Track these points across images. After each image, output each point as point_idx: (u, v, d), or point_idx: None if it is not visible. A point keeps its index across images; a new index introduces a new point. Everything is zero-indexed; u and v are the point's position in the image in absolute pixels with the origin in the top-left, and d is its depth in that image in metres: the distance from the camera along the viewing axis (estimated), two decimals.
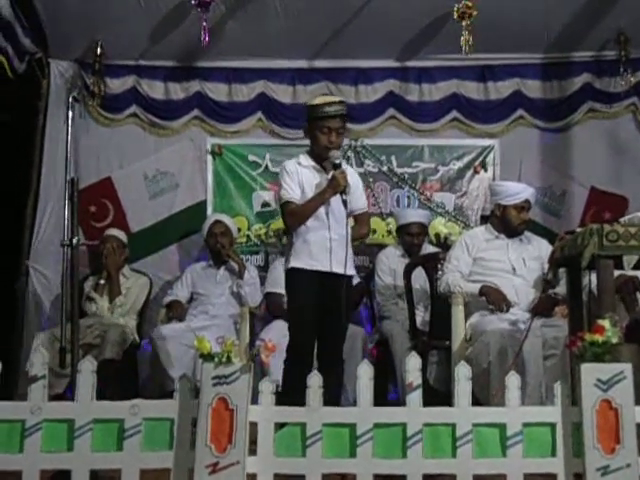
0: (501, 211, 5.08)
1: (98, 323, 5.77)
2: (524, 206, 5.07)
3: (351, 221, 4.58)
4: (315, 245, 4.36)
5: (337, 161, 4.34)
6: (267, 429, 2.94)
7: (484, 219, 6.31)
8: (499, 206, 5.09)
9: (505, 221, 5.06)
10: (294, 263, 4.42)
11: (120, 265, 6.19)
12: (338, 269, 4.32)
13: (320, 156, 4.44)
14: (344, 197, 4.30)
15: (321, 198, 4.35)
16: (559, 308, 4.83)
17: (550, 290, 4.82)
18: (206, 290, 6.10)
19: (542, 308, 4.72)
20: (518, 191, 5.08)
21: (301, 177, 4.43)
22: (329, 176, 4.37)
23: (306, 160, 4.49)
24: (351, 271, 4.44)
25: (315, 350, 4.43)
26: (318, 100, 4.51)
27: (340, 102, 4.52)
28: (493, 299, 4.82)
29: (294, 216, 4.43)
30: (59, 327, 4.36)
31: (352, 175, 4.58)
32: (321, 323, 4.39)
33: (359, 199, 4.59)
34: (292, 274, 4.46)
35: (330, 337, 4.40)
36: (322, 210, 4.35)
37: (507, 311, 4.75)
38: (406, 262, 5.81)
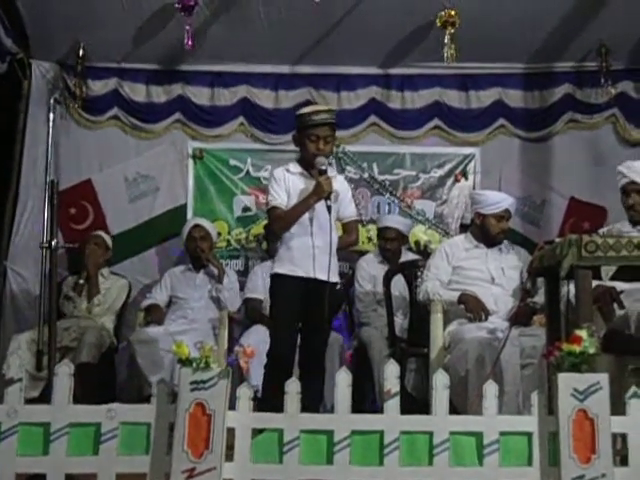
0: (481, 220, 5.10)
1: (75, 325, 5.74)
2: (504, 215, 5.09)
3: (340, 229, 4.61)
4: (298, 251, 4.39)
5: (323, 167, 4.37)
6: (244, 435, 2.92)
7: (463, 227, 6.33)
8: (479, 215, 5.11)
9: (484, 230, 5.08)
10: (277, 269, 4.47)
11: (100, 265, 6.18)
12: (321, 276, 4.33)
13: (309, 163, 4.47)
14: (328, 203, 4.33)
15: (306, 204, 4.37)
16: (537, 317, 4.85)
17: (528, 299, 4.84)
18: (185, 294, 6.08)
19: (520, 317, 4.73)
20: (498, 200, 5.10)
21: (288, 184, 4.47)
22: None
23: (295, 167, 4.53)
24: (334, 278, 4.46)
25: (297, 357, 4.44)
26: (307, 109, 4.58)
27: (329, 111, 4.60)
28: (471, 307, 4.84)
29: (280, 222, 4.47)
30: (36, 329, 4.34)
31: (341, 183, 4.63)
32: (303, 330, 4.41)
33: (348, 207, 4.63)
34: (275, 280, 4.50)
35: (312, 344, 4.42)
36: (306, 216, 4.39)
37: (485, 319, 4.77)
38: (386, 269, 5.82)
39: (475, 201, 5.21)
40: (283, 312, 4.43)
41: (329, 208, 4.33)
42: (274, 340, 4.42)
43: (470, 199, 5.46)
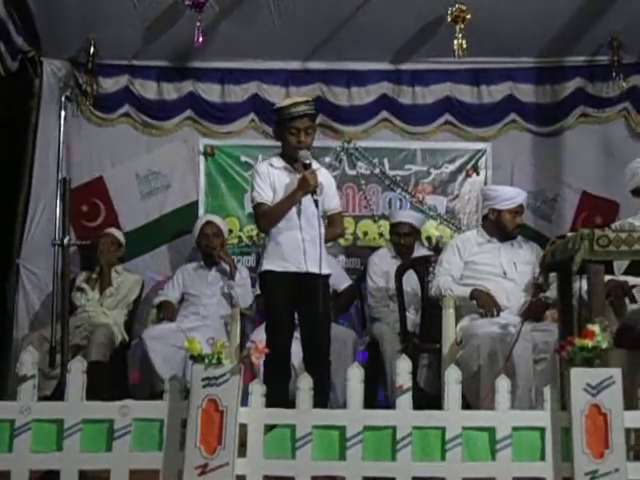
0: (496, 216, 5.08)
1: (87, 323, 5.76)
2: (518, 210, 5.08)
3: (325, 222, 4.61)
4: (287, 246, 4.39)
5: (307, 161, 4.38)
6: (257, 431, 2.94)
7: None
8: (493, 210, 5.09)
9: (500, 226, 5.07)
10: (267, 266, 4.46)
11: (113, 262, 6.21)
12: (313, 269, 4.33)
13: (291, 157, 4.48)
14: (315, 197, 4.33)
15: (292, 199, 4.38)
16: (549, 312, 4.84)
17: (541, 294, 4.83)
18: (197, 291, 6.09)
19: (533, 312, 4.72)
20: (513, 195, 5.09)
21: (273, 178, 4.47)
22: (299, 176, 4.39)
23: (278, 162, 4.54)
24: (326, 270, 4.45)
25: (301, 353, 4.44)
26: (285, 102, 4.58)
27: (307, 102, 4.56)
28: (483, 303, 4.83)
29: (266, 218, 4.48)
30: (49, 328, 4.35)
31: (325, 175, 4.63)
32: (302, 326, 4.41)
33: (332, 199, 4.64)
34: (265, 277, 4.49)
35: (314, 339, 4.40)
36: (293, 210, 4.40)
37: (497, 315, 4.75)
38: (398, 264, 5.81)
39: (489, 197, 5.19)
40: (278, 308, 4.42)
41: (316, 202, 4.33)
42: (269, 337, 4.39)
43: (482, 195, 5.44)
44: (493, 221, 5.11)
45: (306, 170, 4.36)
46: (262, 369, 4.50)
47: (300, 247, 4.35)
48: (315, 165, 4.52)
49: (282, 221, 4.40)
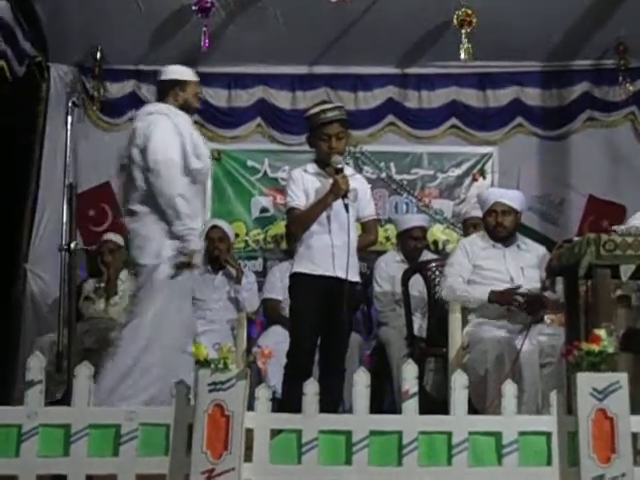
0: (484, 220, 5.11)
1: (95, 328, 5.76)
2: (495, 209, 5.01)
3: (359, 228, 4.61)
4: (317, 250, 4.39)
5: (339, 166, 4.38)
6: (263, 436, 2.93)
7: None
8: (484, 216, 5.11)
9: (487, 229, 5.07)
10: (297, 268, 4.47)
11: (119, 267, 6.20)
12: (341, 274, 4.33)
13: (324, 163, 4.48)
14: (346, 201, 4.33)
15: (323, 203, 4.38)
16: (556, 317, 4.83)
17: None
18: (203, 295, 6.08)
19: (530, 307, 4.69)
20: (486, 197, 5.08)
21: (306, 184, 4.48)
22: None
23: (312, 168, 4.55)
24: (354, 277, 4.44)
25: (317, 357, 4.44)
26: (315, 109, 4.57)
27: (337, 107, 4.60)
28: (506, 301, 4.78)
29: (298, 222, 4.49)
30: (56, 332, 4.36)
31: (360, 182, 4.65)
32: (324, 329, 4.40)
33: (367, 206, 4.63)
34: (295, 279, 4.49)
35: (332, 344, 4.42)
36: (324, 215, 4.39)
37: (523, 303, 4.70)
38: (404, 268, 5.81)
39: (480, 205, 5.21)
40: (303, 311, 4.41)
41: (347, 207, 4.34)
42: (294, 340, 4.41)
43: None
44: (485, 227, 5.13)
45: (338, 175, 4.36)
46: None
47: (330, 252, 4.36)
48: (350, 171, 4.55)
49: (314, 225, 4.40)
